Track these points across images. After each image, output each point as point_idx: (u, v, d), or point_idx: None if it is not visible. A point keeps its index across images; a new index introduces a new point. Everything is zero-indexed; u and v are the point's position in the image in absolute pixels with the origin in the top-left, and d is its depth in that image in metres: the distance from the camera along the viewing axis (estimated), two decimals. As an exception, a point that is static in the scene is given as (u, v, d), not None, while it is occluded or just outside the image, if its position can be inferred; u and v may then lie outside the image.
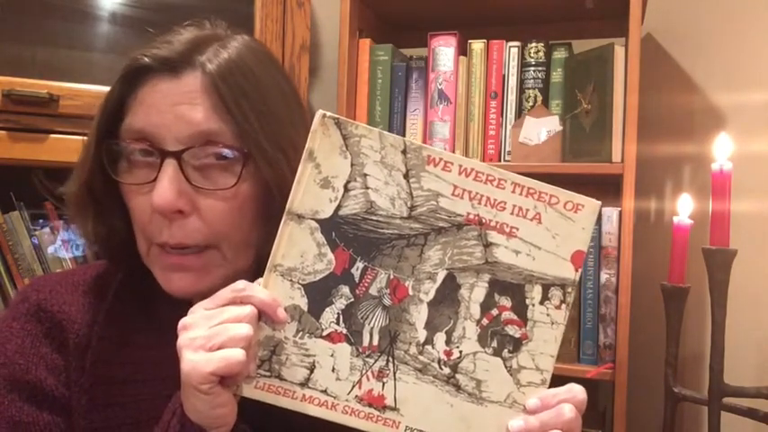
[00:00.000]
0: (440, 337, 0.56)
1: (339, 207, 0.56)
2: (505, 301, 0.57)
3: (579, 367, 1.29)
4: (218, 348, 0.51)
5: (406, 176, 0.56)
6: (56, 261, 1.26)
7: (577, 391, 0.57)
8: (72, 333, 0.66)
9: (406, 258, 0.56)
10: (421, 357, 0.56)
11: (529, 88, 1.39)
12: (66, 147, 1.18)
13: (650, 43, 1.52)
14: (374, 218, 0.56)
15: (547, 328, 0.57)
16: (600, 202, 0.58)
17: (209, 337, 0.51)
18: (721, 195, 1.11)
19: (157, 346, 0.66)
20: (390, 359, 0.56)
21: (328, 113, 0.56)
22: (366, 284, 0.56)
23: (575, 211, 0.57)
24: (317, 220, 0.55)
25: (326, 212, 0.56)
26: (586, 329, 1.31)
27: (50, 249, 1.26)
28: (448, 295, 0.56)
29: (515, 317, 0.57)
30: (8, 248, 1.21)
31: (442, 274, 0.56)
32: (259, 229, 0.64)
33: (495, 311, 0.57)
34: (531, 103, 1.38)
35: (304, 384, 0.55)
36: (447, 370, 0.56)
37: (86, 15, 1.39)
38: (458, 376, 0.56)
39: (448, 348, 0.56)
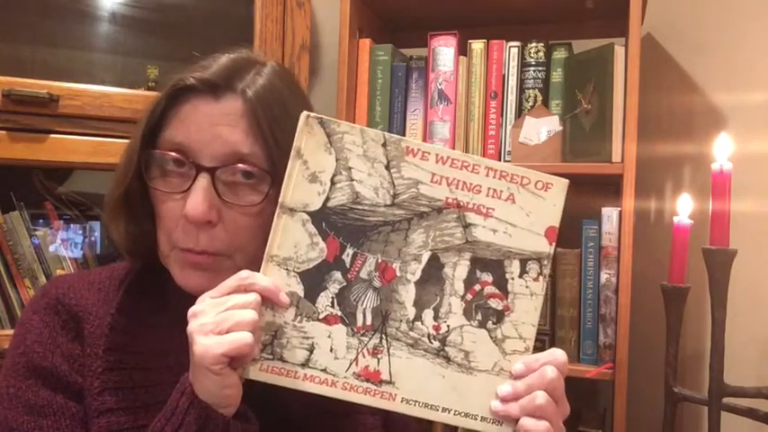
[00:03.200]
0: (428, 314, 0.60)
1: (327, 199, 0.60)
2: (487, 277, 0.61)
3: (579, 367, 1.29)
4: (227, 332, 0.56)
5: (387, 167, 0.60)
6: (56, 261, 1.26)
7: (558, 354, 0.61)
8: (88, 324, 0.71)
9: (392, 243, 0.60)
10: (412, 333, 0.60)
11: (529, 88, 1.39)
12: (66, 147, 1.18)
13: (650, 43, 1.52)
14: (360, 207, 0.60)
15: (527, 300, 0.61)
16: (567, 181, 0.62)
17: (219, 322, 0.56)
18: (721, 195, 1.11)
19: (166, 338, 0.71)
20: (384, 336, 0.60)
21: (312, 114, 0.60)
22: (357, 269, 0.60)
23: (545, 189, 0.61)
24: (308, 213, 0.60)
25: (316, 205, 0.60)
26: (586, 329, 1.31)
27: (51, 249, 1.26)
28: (433, 274, 0.61)
29: (497, 290, 0.61)
30: (8, 248, 1.21)
31: (426, 255, 0.61)
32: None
33: (477, 287, 0.61)
34: (531, 103, 1.38)
35: (305, 365, 0.59)
36: (437, 344, 0.60)
37: (86, 15, 1.40)
38: (447, 349, 0.60)
39: (436, 323, 0.60)
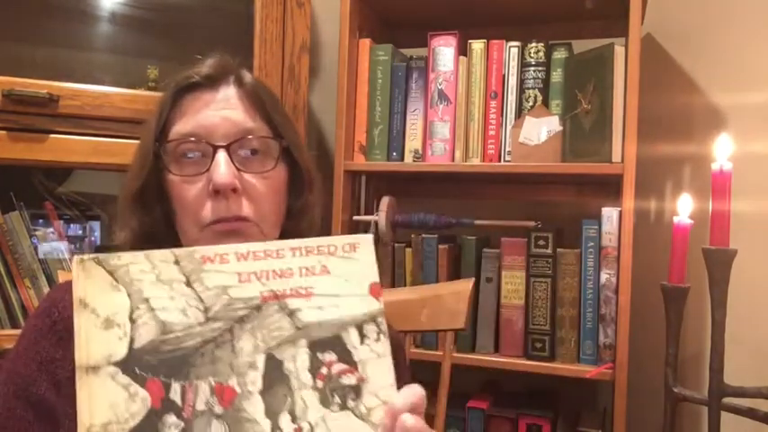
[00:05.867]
0: (284, 419, 0.55)
1: (132, 341, 0.54)
2: (330, 356, 0.57)
3: (579, 367, 1.29)
4: None
5: (188, 284, 0.56)
6: (55, 261, 1.26)
7: (407, 395, 0.58)
8: None
9: (220, 360, 0.55)
10: None
11: (529, 88, 1.39)
12: (67, 147, 1.18)
13: (650, 43, 1.52)
14: (173, 335, 0.55)
15: (376, 363, 0.58)
16: (371, 235, 0.60)
17: None
18: (721, 195, 1.11)
19: None
20: None
21: (84, 256, 0.55)
22: (190, 403, 0.54)
23: (353, 250, 0.59)
24: (114, 364, 0.53)
25: (121, 352, 0.54)
26: (586, 329, 1.31)
27: (50, 249, 1.26)
28: (275, 376, 0.56)
29: (345, 365, 0.57)
30: (8, 248, 1.21)
31: (261, 359, 0.56)
32: (284, 208, 0.80)
33: (324, 370, 0.57)
34: (531, 103, 1.38)
35: None
36: None
37: (86, 15, 1.40)
38: None
39: (296, 425, 0.55)
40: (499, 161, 1.39)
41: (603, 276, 1.29)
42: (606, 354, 1.29)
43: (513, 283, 1.37)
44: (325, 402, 0.56)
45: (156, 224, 0.77)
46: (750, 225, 1.39)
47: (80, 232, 1.34)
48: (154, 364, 0.54)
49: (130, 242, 0.77)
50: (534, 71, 1.38)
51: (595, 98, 1.31)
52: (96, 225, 1.35)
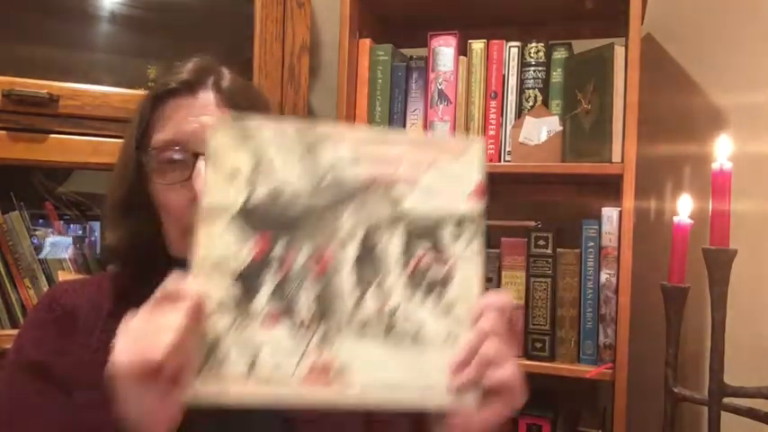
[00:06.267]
0: (370, 295, 0.58)
1: (249, 196, 0.58)
2: (423, 246, 0.60)
3: (579, 367, 1.29)
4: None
5: (306, 155, 0.59)
6: (56, 261, 1.26)
7: (493, 301, 0.59)
8: (81, 316, 0.77)
9: (322, 229, 0.59)
10: (357, 318, 0.58)
11: (529, 88, 1.39)
12: (67, 147, 1.18)
13: (650, 43, 1.52)
14: (284, 198, 0.59)
15: (467, 262, 0.60)
16: (482, 139, 0.63)
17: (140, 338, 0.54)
18: (721, 195, 1.11)
19: None
20: (328, 328, 0.57)
21: (223, 117, 0.60)
22: (290, 262, 0.58)
23: (464, 151, 0.61)
24: (231, 212, 0.58)
25: (238, 203, 0.58)
26: (586, 329, 1.31)
27: (51, 249, 1.26)
28: (369, 254, 0.59)
29: (436, 258, 0.60)
30: (8, 248, 1.21)
31: (359, 236, 0.59)
32: None
33: (415, 258, 0.59)
34: (531, 103, 1.38)
35: (248, 377, 0.55)
36: (384, 324, 0.58)
37: (86, 15, 1.40)
38: (396, 328, 0.58)
39: (380, 304, 0.58)
40: (499, 161, 1.39)
41: (603, 276, 1.29)
42: (606, 354, 1.29)
43: (513, 283, 1.37)
44: (410, 289, 0.59)
45: (144, 228, 0.78)
46: (750, 225, 1.39)
47: (80, 232, 1.34)
48: (264, 221, 0.58)
49: (121, 245, 0.79)
50: (534, 71, 1.38)
51: (595, 98, 1.31)
52: (96, 225, 1.35)
